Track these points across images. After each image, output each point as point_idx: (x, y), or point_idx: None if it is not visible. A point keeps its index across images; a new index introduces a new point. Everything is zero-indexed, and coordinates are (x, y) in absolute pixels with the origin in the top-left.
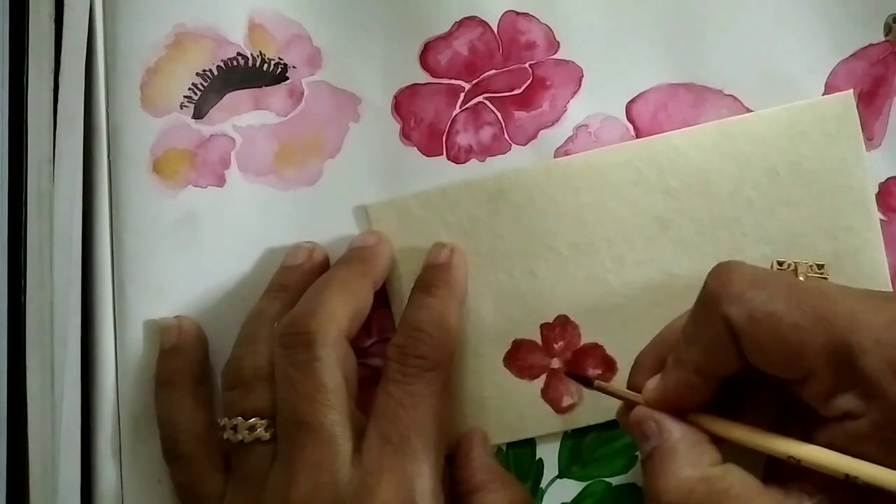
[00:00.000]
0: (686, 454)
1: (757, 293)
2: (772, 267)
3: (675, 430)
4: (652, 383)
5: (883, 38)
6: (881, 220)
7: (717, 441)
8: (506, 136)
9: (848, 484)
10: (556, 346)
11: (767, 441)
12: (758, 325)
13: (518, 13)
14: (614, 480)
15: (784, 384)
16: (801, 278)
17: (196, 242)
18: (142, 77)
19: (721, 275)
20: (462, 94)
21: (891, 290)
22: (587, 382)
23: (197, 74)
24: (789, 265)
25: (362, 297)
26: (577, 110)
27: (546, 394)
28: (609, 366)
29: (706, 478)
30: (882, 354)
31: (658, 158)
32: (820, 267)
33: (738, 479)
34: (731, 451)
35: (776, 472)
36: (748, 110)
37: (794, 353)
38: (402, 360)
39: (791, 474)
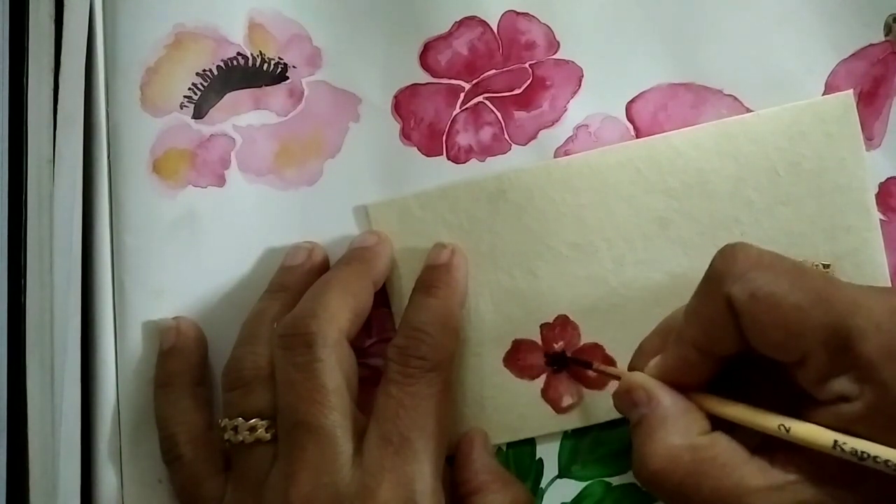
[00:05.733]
0: (675, 422)
1: (761, 273)
2: None
3: (664, 398)
4: (653, 361)
5: (883, 38)
6: (881, 220)
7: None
8: (506, 136)
9: (835, 460)
10: (556, 346)
11: (762, 419)
12: (759, 305)
13: (518, 13)
14: (614, 480)
15: (781, 367)
16: None
17: (196, 242)
18: (142, 77)
19: (727, 255)
20: (462, 94)
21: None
22: (587, 366)
23: (197, 74)
24: None
25: (363, 298)
26: (577, 110)
27: (546, 394)
28: (609, 365)
29: (693, 446)
30: (881, 339)
31: (658, 158)
32: (826, 266)
33: (724, 447)
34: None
35: (768, 447)
36: (748, 110)
37: (792, 333)
38: (403, 360)
39: (782, 448)
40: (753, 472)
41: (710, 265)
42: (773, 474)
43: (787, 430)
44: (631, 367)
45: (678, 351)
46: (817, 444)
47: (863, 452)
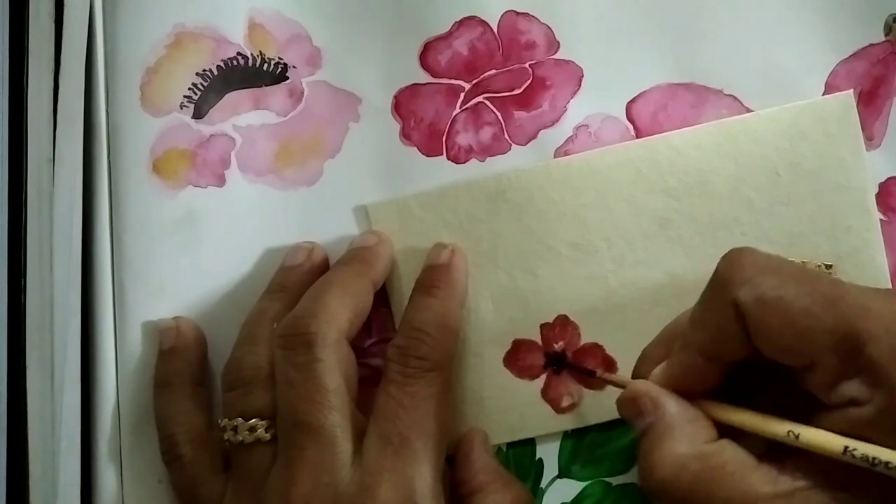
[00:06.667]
0: (681, 430)
1: (768, 278)
2: None
3: (670, 406)
4: (659, 368)
5: (883, 38)
6: (881, 220)
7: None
8: (506, 136)
9: (844, 466)
10: (556, 346)
11: (770, 425)
12: (767, 309)
13: (518, 13)
14: (614, 480)
15: (789, 373)
16: None
17: (196, 242)
18: (142, 77)
19: (733, 259)
20: (462, 94)
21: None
22: (590, 374)
23: (197, 74)
24: None
25: (362, 298)
26: (577, 110)
27: (546, 394)
28: (609, 366)
29: (700, 454)
30: (890, 342)
31: (658, 158)
32: (828, 267)
33: (732, 455)
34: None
35: (775, 453)
36: (748, 110)
37: (801, 337)
38: (403, 361)
39: (790, 455)
40: (762, 480)
41: (716, 271)
42: (782, 481)
43: (797, 437)
44: (635, 375)
45: (684, 358)
46: (827, 451)
47: (874, 458)
